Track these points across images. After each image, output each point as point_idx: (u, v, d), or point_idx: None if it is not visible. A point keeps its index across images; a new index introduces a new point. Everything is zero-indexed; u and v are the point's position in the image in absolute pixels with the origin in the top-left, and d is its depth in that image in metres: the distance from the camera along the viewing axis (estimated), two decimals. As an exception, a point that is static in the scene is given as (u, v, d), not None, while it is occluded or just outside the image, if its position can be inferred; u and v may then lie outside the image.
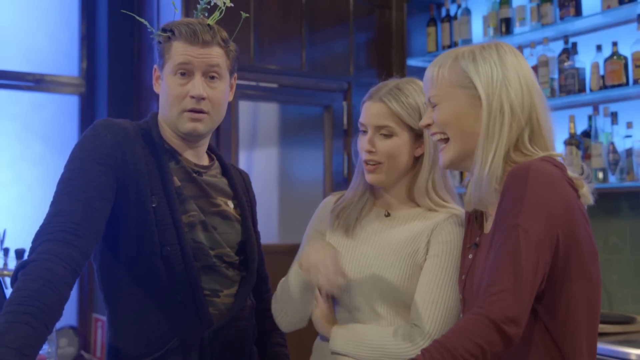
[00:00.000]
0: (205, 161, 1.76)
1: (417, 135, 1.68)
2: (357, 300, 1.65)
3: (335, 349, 1.62)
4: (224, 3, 1.68)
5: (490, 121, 1.42)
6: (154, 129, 1.67)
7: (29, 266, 1.39)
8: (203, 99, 1.62)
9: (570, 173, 1.42)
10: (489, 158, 1.41)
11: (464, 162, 1.49)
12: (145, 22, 1.75)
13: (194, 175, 1.68)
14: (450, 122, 1.46)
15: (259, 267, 1.80)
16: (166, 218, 1.58)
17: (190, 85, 1.62)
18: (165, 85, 1.65)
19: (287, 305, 1.69)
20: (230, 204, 1.74)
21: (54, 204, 1.50)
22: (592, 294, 1.40)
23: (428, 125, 1.52)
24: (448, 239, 1.63)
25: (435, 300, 1.58)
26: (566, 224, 1.34)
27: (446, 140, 1.49)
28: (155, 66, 1.71)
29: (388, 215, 1.73)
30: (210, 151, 1.81)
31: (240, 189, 1.79)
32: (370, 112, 1.69)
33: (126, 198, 1.57)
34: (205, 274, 1.64)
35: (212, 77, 1.64)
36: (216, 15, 1.67)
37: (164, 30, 1.66)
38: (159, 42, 1.67)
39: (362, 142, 1.70)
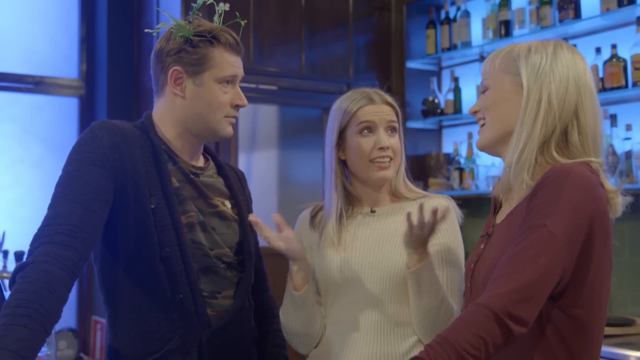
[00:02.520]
0: (201, 162, 1.76)
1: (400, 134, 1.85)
2: (359, 291, 1.70)
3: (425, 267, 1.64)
4: (222, 6, 1.70)
5: (528, 109, 1.42)
6: (151, 129, 1.66)
7: (27, 268, 1.39)
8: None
9: (607, 185, 1.42)
10: (520, 145, 1.41)
11: (497, 147, 1.50)
12: (174, 19, 1.68)
13: (192, 176, 1.68)
14: (492, 106, 1.48)
15: (256, 265, 1.81)
16: (165, 219, 1.58)
17: (232, 94, 1.68)
18: (207, 91, 1.66)
19: (295, 321, 1.75)
20: (228, 204, 1.74)
21: (52, 207, 1.50)
22: (604, 302, 1.41)
23: (475, 112, 1.54)
24: (447, 225, 1.73)
25: (454, 289, 1.72)
26: (594, 232, 1.34)
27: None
28: (178, 68, 1.65)
29: (373, 212, 1.80)
30: (205, 151, 1.81)
31: (237, 187, 1.79)
32: (380, 111, 1.78)
33: (125, 199, 1.57)
34: (205, 274, 1.64)
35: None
36: (217, 19, 1.69)
37: (201, 34, 1.64)
38: (192, 46, 1.64)
39: (369, 143, 1.76)
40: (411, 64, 4.13)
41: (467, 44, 3.86)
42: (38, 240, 1.45)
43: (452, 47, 3.94)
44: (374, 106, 1.79)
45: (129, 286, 1.61)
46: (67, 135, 4.12)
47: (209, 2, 1.71)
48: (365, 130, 1.77)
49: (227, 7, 1.71)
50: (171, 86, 1.66)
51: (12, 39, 3.99)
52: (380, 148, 1.75)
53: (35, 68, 4.04)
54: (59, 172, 1.57)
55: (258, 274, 1.83)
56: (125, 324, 1.62)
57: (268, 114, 4.26)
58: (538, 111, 1.41)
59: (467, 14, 3.89)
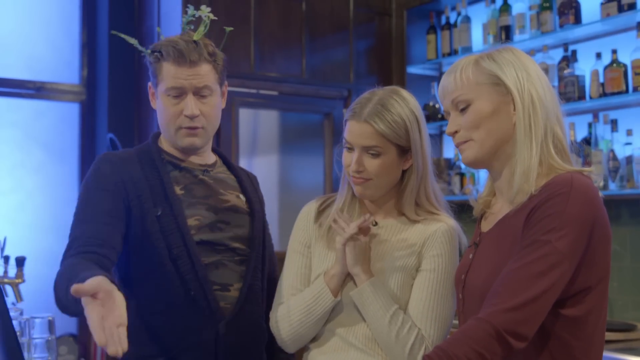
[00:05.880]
0: (211, 160, 1.84)
1: (404, 150, 1.67)
2: (350, 308, 1.65)
3: (362, 294, 1.61)
4: (208, 17, 1.76)
5: (525, 114, 1.40)
6: (153, 146, 1.78)
7: (64, 263, 1.55)
8: (196, 116, 1.72)
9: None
10: (533, 151, 1.40)
11: (487, 161, 1.47)
12: (135, 42, 1.81)
13: (201, 176, 1.77)
14: (482, 122, 1.43)
15: (271, 272, 1.87)
16: (171, 223, 1.68)
17: (183, 104, 1.71)
18: (161, 104, 1.74)
19: (310, 327, 1.66)
20: (242, 197, 1.83)
21: (70, 234, 1.63)
22: (605, 305, 1.41)
23: (455, 133, 1.48)
24: (441, 252, 1.65)
25: (432, 317, 1.61)
26: (595, 240, 1.34)
27: (469, 138, 1.47)
28: (149, 83, 1.79)
29: (376, 224, 1.71)
30: (214, 152, 1.89)
31: (248, 185, 1.87)
32: (356, 132, 1.64)
33: (131, 215, 1.68)
34: (217, 268, 1.71)
35: (203, 95, 1.73)
36: (201, 29, 1.74)
37: (153, 50, 1.74)
38: (150, 62, 1.76)
39: (348, 159, 1.68)
40: (412, 69, 4.14)
41: (468, 49, 3.86)
42: (63, 257, 1.58)
43: (453, 53, 3.94)
44: (353, 123, 1.65)
45: (143, 292, 1.69)
46: (68, 140, 4.13)
47: (198, 15, 1.77)
48: (347, 146, 1.68)
49: (212, 16, 1.77)
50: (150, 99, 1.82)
51: (14, 45, 4.00)
52: (354, 170, 1.65)
53: (36, 73, 4.05)
54: (60, 177, 1.66)
55: (271, 261, 1.89)
56: (141, 324, 1.68)
57: (269, 119, 4.26)
58: (536, 113, 1.41)
59: (467, 19, 3.89)
